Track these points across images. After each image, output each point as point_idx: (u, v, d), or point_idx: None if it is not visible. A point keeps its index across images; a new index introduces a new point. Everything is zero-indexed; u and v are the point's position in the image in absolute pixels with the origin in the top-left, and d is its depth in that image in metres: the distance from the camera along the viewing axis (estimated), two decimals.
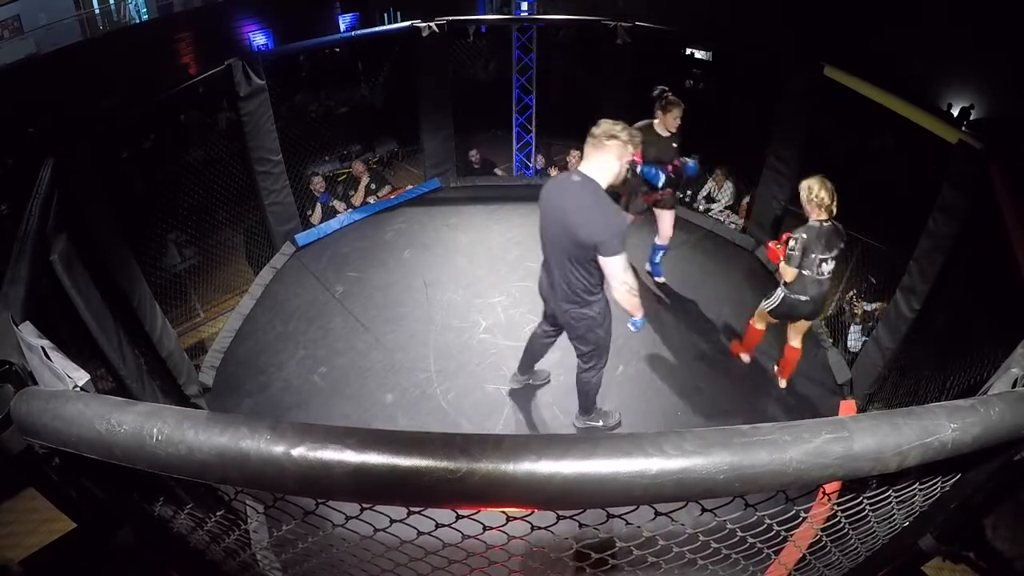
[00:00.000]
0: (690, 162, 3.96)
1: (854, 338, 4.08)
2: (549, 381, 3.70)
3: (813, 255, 3.12)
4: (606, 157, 2.45)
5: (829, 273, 3.18)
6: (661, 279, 4.64)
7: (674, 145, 3.97)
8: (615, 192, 3.78)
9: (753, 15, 8.06)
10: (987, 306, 2.78)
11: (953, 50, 7.47)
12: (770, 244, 3.30)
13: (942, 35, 7.45)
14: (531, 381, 3.65)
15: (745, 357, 3.93)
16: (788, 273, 3.17)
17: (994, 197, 2.68)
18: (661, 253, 4.51)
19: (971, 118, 7.72)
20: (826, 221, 3.11)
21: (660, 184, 3.86)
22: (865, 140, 5.27)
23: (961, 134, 3.09)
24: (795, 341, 3.57)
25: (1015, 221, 2.42)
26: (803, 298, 3.23)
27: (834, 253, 3.14)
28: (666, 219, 4.30)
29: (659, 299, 4.51)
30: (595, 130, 2.45)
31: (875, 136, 5.41)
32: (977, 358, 2.66)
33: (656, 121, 3.94)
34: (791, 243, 3.12)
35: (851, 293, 4.35)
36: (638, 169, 3.86)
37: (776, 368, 3.82)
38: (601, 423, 3.39)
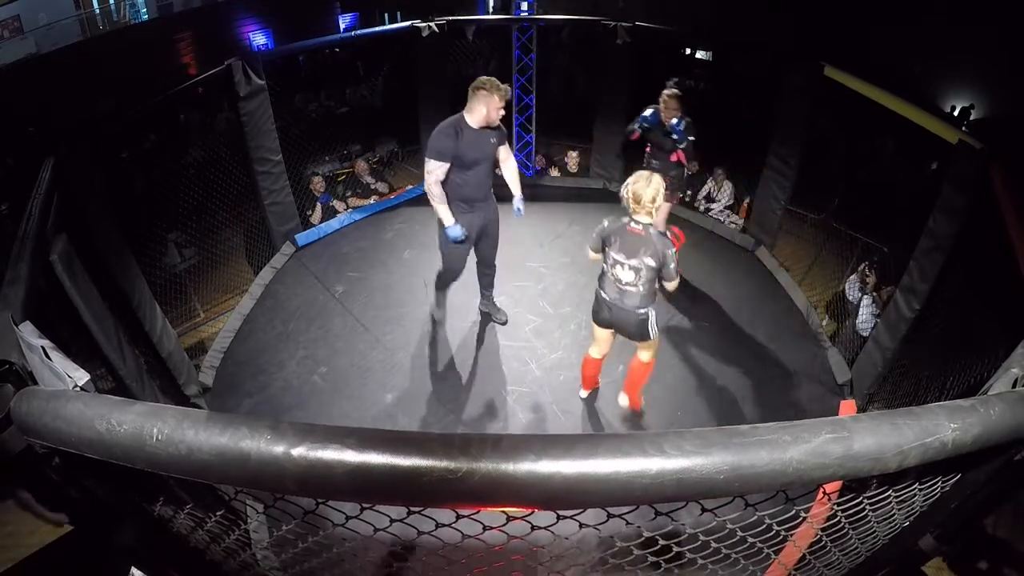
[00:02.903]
0: (678, 123, 4.01)
1: (865, 313, 4.01)
2: (505, 323, 4.15)
3: (608, 249, 2.86)
4: (475, 102, 3.20)
5: (629, 284, 2.82)
6: None
7: (674, 137, 4.07)
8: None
9: (753, 15, 8.06)
10: (987, 306, 2.78)
11: (953, 50, 7.47)
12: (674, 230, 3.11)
13: (942, 35, 7.44)
14: (489, 311, 4.17)
15: (583, 393, 3.60)
16: (588, 253, 3.02)
17: (994, 197, 2.68)
18: None
19: (971, 118, 7.71)
20: (634, 222, 2.75)
21: (633, 124, 4.21)
22: (865, 140, 5.26)
23: (961, 134, 3.09)
24: (642, 354, 3.23)
25: (1015, 221, 2.42)
26: (603, 294, 2.97)
27: (633, 263, 2.77)
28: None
29: None
30: (473, 83, 3.21)
31: (875, 136, 5.41)
32: (977, 358, 2.66)
33: (661, 109, 4.12)
34: (592, 236, 2.91)
35: (864, 264, 4.32)
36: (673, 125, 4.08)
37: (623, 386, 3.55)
38: (436, 304, 4.10)
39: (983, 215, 2.83)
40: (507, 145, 3.50)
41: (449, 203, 3.33)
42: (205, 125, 5.91)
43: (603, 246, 2.90)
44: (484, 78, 3.20)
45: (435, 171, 3.22)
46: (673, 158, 4.24)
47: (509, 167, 3.55)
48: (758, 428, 0.72)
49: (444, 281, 3.86)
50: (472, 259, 3.80)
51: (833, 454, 0.72)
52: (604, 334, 3.21)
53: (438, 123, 3.27)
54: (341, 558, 1.18)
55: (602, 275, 2.98)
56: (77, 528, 1.08)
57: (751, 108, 5.35)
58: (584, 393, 3.61)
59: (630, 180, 2.77)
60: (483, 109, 3.18)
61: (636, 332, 3.01)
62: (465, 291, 4.45)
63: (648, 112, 4.17)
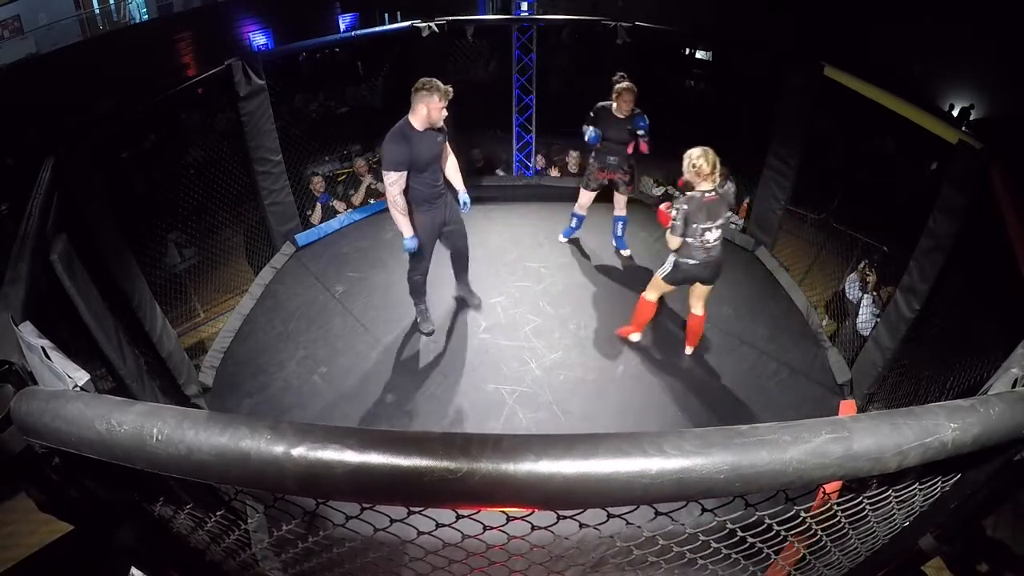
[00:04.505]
0: (639, 120, 4.24)
1: (865, 313, 4.03)
2: (479, 305, 4.25)
3: (695, 224, 3.25)
4: (416, 103, 3.22)
5: (716, 241, 3.33)
6: (626, 251, 4.93)
7: (628, 128, 4.26)
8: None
9: (753, 15, 8.06)
10: (987, 306, 2.78)
11: (953, 50, 7.47)
12: (661, 208, 3.42)
13: (942, 35, 7.45)
14: (463, 295, 4.26)
15: (635, 336, 4.01)
16: (672, 242, 3.37)
17: (994, 197, 2.68)
18: (620, 225, 4.80)
19: (971, 118, 7.72)
20: (709, 192, 3.21)
21: (587, 138, 4.31)
22: (865, 140, 5.26)
23: (961, 134, 3.09)
24: (697, 308, 3.73)
25: (1015, 221, 2.42)
26: (691, 262, 3.39)
27: (719, 222, 3.28)
28: (619, 199, 4.68)
29: (627, 274, 4.68)
30: (414, 85, 3.23)
31: (875, 136, 5.40)
32: (977, 358, 2.66)
33: (613, 105, 4.25)
34: (673, 213, 3.27)
35: (863, 263, 4.33)
36: (584, 132, 4.33)
37: (685, 340, 3.99)
38: (418, 318, 4.10)
39: (983, 215, 2.83)
40: (448, 144, 3.57)
41: (412, 207, 3.42)
42: (205, 125, 5.90)
43: (685, 226, 3.28)
44: (424, 79, 3.23)
45: (397, 181, 3.28)
46: (629, 150, 4.41)
47: (450, 164, 3.63)
48: (758, 428, 0.72)
49: (415, 281, 3.90)
50: (446, 255, 4.00)
51: (833, 454, 0.72)
52: (670, 288, 3.63)
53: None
54: (341, 558, 1.18)
55: (684, 246, 3.35)
56: (77, 528, 1.07)
57: (751, 108, 5.34)
58: (636, 336, 4.01)
59: (691, 156, 3.19)
60: (423, 109, 3.21)
61: (716, 274, 3.49)
62: (459, 292, 4.46)
63: (592, 132, 4.32)
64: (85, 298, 2.35)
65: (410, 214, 3.44)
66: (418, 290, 3.97)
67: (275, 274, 4.74)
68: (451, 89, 3.24)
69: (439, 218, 3.60)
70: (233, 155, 4.53)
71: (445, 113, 3.29)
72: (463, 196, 3.67)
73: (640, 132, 4.28)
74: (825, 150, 5.11)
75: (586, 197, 4.76)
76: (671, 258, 3.47)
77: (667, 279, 3.55)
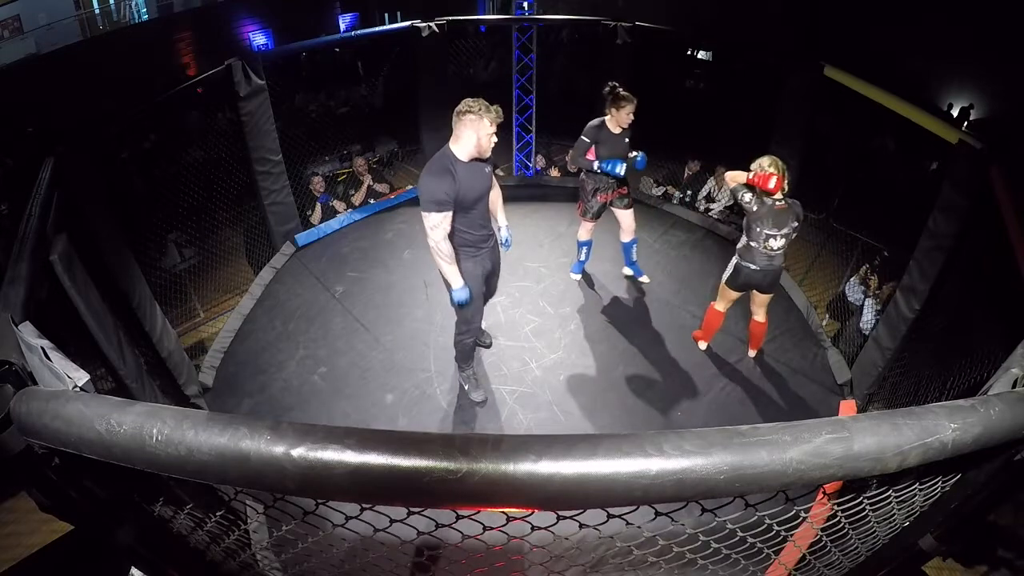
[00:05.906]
0: (639, 157, 3.92)
1: (868, 315, 4.04)
2: (489, 345, 3.96)
3: (759, 229, 3.30)
4: (462, 130, 2.72)
5: (779, 249, 3.35)
6: (644, 278, 4.66)
7: (626, 140, 3.92)
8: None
9: (753, 15, 8.06)
10: (987, 306, 2.78)
11: (953, 50, 7.47)
12: (762, 175, 3.17)
13: (941, 35, 7.44)
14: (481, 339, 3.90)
15: (702, 344, 4.04)
16: (729, 178, 3.39)
17: (994, 197, 2.68)
18: (633, 248, 4.52)
19: (971, 118, 7.71)
20: (780, 201, 3.25)
21: (618, 171, 3.84)
22: (865, 140, 5.26)
23: (961, 134, 3.09)
24: (759, 315, 3.77)
25: (1015, 221, 2.42)
26: (753, 267, 3.42)
27: (784, 231, 3.30)
28: (625, 216, 4.30)
29: (650, 297, 4.51)
30: (457, 108, 2.73)
31: (875, 136, 5.41)
32: (977, 358, 2.66)
33: (608, 118, 3.86)
34: (747, 196, 3.28)
35: (865, 267, 4.33)
36: (595, 166, 3.88)
37: (748, 344, 4.03)
38: (466, 386, 3.62)
39: (983, 215, 2.83)
40: (493, 174, 3.10)
41: (457, 253, 2.91)
42: (205, 125, 5.90)
43: (749, 228, 3.35)
44: (470, 100, 2.70)
45: (440, 224, 2.74)
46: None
47: (494, 195, 3.13)
48: (758, 428, 0.72)
49: (465, 345, 3.39)
50: None
51: (833, 454, 0.72)
52: (736, 294, 3.65)
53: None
54: (341, 558, 1.18)
55: (747, 250, 3.40)
56: (77, 528, 1.08)
57: (751, 108, 5.35)
58: (703, 345, 4.05)
59: (762, 164, 3.19)
60: (472, 136, 2.70)
61: (774, 284, 3.54)
62: None
63: (618, 167, 3.82)
64: (85, 298, 2.35)
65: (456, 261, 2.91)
66: (467, 355, 3.47)
67: (275, 274, 4.74)
68: (500, 109, 2.76)
69: (488, 265, 3.12)
70: (233, 155, 4.53)
71: (495, 140, 2.79)
72: (505, 231, 3.22)
73: (637, 168, 3.98)
74: (825, 150, 5.12)
75: (588, 227, 4.34)
76: (733, 261, 3.50)
77: (729, 283, 3.56)
